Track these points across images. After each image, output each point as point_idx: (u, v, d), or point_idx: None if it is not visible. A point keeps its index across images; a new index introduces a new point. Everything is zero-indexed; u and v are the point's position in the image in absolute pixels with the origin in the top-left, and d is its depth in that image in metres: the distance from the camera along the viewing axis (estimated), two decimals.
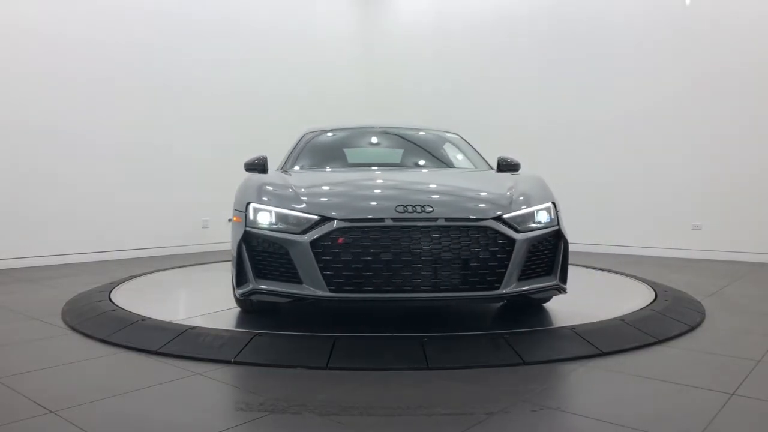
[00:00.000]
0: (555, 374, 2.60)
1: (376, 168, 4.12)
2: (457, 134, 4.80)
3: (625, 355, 2.91)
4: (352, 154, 4.52)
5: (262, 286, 3.05)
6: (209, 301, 3.97)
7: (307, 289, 2.93)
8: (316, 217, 2.97)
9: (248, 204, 3.19)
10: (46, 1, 6.27)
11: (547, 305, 3.85)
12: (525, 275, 3.04)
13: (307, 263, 2.90)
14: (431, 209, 2.96)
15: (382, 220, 2.91)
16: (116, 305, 3.77)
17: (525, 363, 2.74)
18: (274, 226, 3.06)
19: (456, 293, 2.91)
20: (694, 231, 6.87)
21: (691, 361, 2.84)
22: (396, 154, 4.50)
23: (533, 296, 3.17)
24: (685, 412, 2.20)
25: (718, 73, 6.69)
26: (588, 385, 2.53)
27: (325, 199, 3.19)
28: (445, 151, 4.58)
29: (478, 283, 2.92)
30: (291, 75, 8.61)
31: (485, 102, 8.43)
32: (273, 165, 4.14)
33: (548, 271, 3.17)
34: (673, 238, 6.99)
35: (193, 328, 3.16)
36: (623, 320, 3.33)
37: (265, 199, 3.20)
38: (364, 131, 4.80)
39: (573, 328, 3.12)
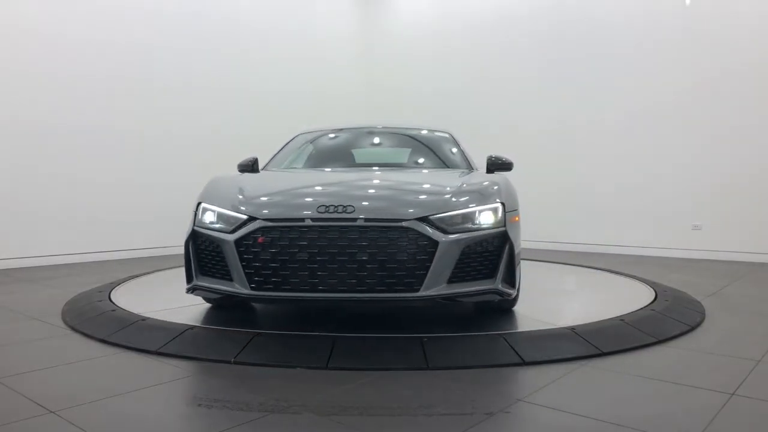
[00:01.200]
0: (555, 374, 2.60)
1: (344, 168, 4.19)
2: (447, 133, 4.71)
3: (625, 355, 2.91)
4: (332, 155, 4.57)
5: (202, 283, 3.18)
6: (208, 301, 3.96)
7: (234, 287, 3.02)
8: (244, 216, 3.06)
9: (198, 204, 3.34)
10: (45, 1, 6.26)
11: (547, 305, 3.85)
12: (457, 278, 2.92)
13: (234, 261, 2.99)
14: (353, 209, 2.95)
15: (302, 220, 2.95)
16: (116, 305, 3.77)
17: (525, 363, 2.74)
18: (213, 225, 3.17)
19: (372, 294, 2.87)
20: (694, 231, 6.87)
21: (691, 361, 2.84)
22: (377, 155, 4.52)
23: (466, 299, 3.00)
24: (685, 412, 2.20)
25: (718, 74, 6.69)
26: (588, 385, 2.53)
27: (259, 200, 3.23)
28: (428, 150, 4.55)
29: (396, 284, 2.86)
30: (291, 75, 8.60)
31: (485, 102, 8.42)
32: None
33: (488, 275, 3.01)
34: (673, 238, 6.99)
35: (192, 327, 3.16)
36: (623, 320, 3.33)
37: (213, 198, 3.32)
38: (352, 132, 4.81)
39: (573, 328, 3.12)
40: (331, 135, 4.83)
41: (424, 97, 8.99)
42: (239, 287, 3.00)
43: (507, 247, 3.04)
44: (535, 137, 7.94)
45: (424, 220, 2.93)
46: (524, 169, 6.56)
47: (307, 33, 8.92)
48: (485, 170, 4.03)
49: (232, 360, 2.77)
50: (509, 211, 3.18)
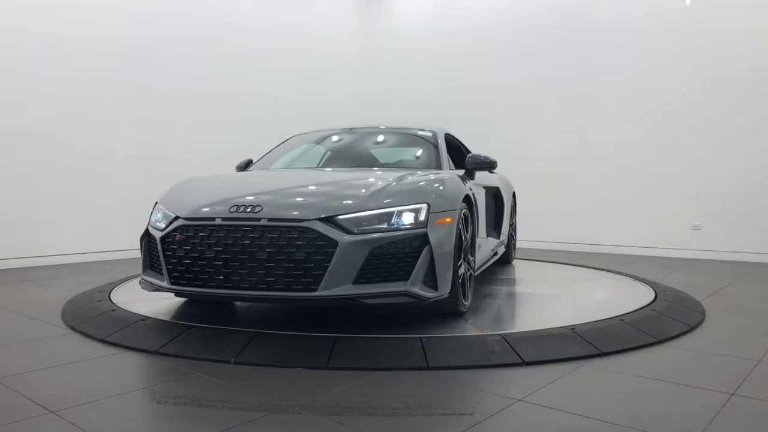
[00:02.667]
0: (555, 374, 2.60)
1: (307, 169, 4.34)
2: (431, 132, 4.55)
3: (625, 355, 2.91)
4: (310, 156, 4.66)
5: (146, 277, 3.41)
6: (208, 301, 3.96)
7: (161, 281, 3.23)
8: (173, 215, 3.23)
9: (155, 204, 3.52)
10: (41, 2, 6.26)
11: (547, 305, 3.85)
12: (365, 279, 2.89)
13: (161, 257, 3.21)
14: (260, 209, 3.03)
15: (213, 219, 3.07)
16: (116, 305, 3.77)
17: (525, 363, 2.74)
18: (157, 223, 3.34)
19: (271, 293, 2.92)
20: (694, 231, 6.87)
21: (691, 361, 2.84)
22: (351, 156, 4.54)
23: (374, 301, 2.95)
24: (685, 412, 2.20)
25: (718, 74, 6.69)
26: (588, 385, 2.53)
27: (187, 199, 3.37)
28: (403, 150, 4.57)
29: (294, 284, 2.89)
30: (291, 76, 8.60)
31: (485, 102, 8.42)
32: None
33: (402, 277, 2.94)
34: (673, 238, 6.99)
35: (192, 327, 3.16)
36: (623, 320, 3.33)
37: (166, 199, 3.52)
38: (338, 133, 4.84)
39: (573, 328, 3.12)
40: (318, 137, 4.90)
41: (424, 98, 8.99)
42: (163, 282, 3.22)
43: (426, 249, 2.98)
44: (535, 137, 7.94)
45: (327, 220, 2.94)
46: (524, 169, 6.60)
47: (307, 34, 8.92)
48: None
49: (232, 360, 2.77)
50: (436, 212, 3.10)
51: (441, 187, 3.29)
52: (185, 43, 7.44)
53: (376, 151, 4.62)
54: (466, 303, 3.46)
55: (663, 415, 2.15)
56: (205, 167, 7.46)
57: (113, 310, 3.64)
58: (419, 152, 4.42)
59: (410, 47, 9.30)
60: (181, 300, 3.89)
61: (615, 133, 7.42)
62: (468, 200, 3.55)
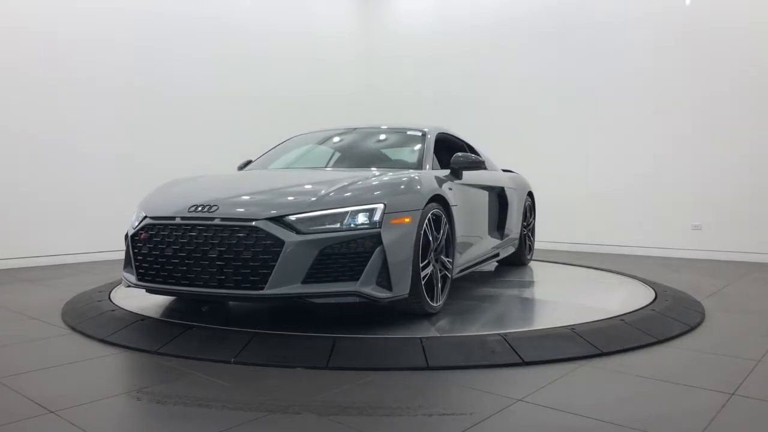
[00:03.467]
0: (555, 374, 2.60)
1: (282, 169, 4.42)
2: (421, 132, 4.48)
3: (625, 355, 2.91)
4: (301, 157, 4.69)
5: (124, 273, 3.54)
6: (208, 302, 3.96)
7: (132, 276, 3.37)
8: (143, 214, 3.39)
9: (138, 204, 3.63)
10: (40, 2, 6.26)
11: (547, 305, 3.85)
12: (314, 278, 2.92)
13: (131, 254, 3.37)
14: (216, 209, 3.11)
15: (173, 218, 3.18)
16: (116, 305, 3.77)
17: (525, 363, 2.74)
18: (134, 222, 3.47)
19: (221, 290, 2.99)
20: (694, 231, 6.87)
21: (691, 361, 2.84)
22: (339, 156, 4.58)
23: (323, 300, 2.98)
24: (685, 412, 2.20)
25: (718, 74, 6.69)
26: (588, 385, 2.53)
27: (159, 199, 3.53)
28: (388, 150, 4.56)
29: (243, 282, 2.94)
30: (291, 76, 8.60)
31: (485, 102, 8.42)
32: None
33: (352, 276, 2.96)
34: (673, 238, 6.99)
35: (192, 327, 3.16)
36: (623, 320, 3.33)
37: (145, 198, 3.66)
38: (331, 134, 4.86)
39: (573, 328, 3.12)
40: (315, 137, 4.92)
41: (425, 98, 9.00)
42: (133, 277, 3.37)
43: (378, 249, 2.98)
44: (535, 138, 7.94)
45: (277, 220, 2.97)
46: (524, 169, 6.58)
47: (307, 34, 8.92)
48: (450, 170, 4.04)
49: (232, 360, 2.77)
50: (393, 212, 3.10)
51: (401, 188, 3.27)
52: (185, 43, 7.44)
53: (364, 151, 4.61)
54: (434, 304, 3.41)
55: (663, 415, 2.15)
56: (205, 167, 7.47)
57: (113, 310, 3.64)
58: (404, 152, 4.41)
59: (410, 47, 9.30)
60: (181, 300, 3.89)
61: (615, 133, 7.42)
62: (441, 200, 3.53)
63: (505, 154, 6.22)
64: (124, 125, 6.89)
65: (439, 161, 4.44)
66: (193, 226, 3.08)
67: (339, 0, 9.53)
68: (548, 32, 7.93)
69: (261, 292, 2.91)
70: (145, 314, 3.51)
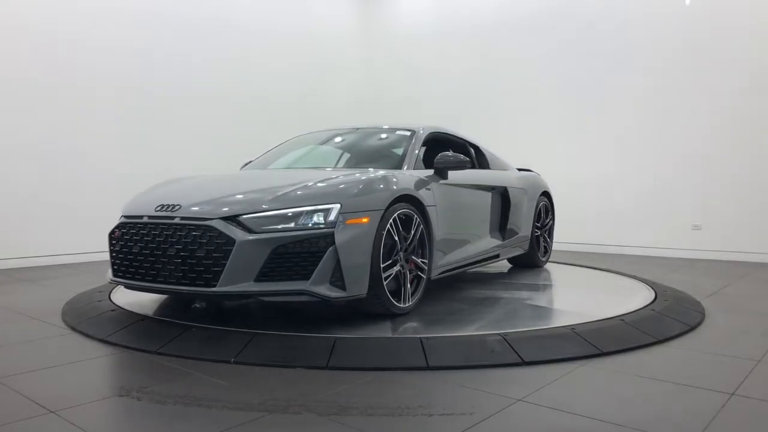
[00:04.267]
0: (555, 374, 2.60)
1: (259, 170, 4.47)
2: (411, 131, 4.42)
3: (625, 355, 2.91)
4: (294, 157, 4.70)
5: (108, 270, 3.63)
6: (208, 301, 3.96)
7: (110, 272, 3.52)
8: (121, 213, 3.54)
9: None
10: (39, 3, 6.26)
11: (547, 305, 3.85)
12: (267, 276, 2.97)
13: (109, 251, 3.53)
14: (179, 208, 3.21)
15: (141, 217, 3.31)
16: (116, 305, 3.77)
17: (525, 363, 2.74)
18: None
19: (178, 287, 3.08)
20: (694, 231, 6.87)
21: (691, 361, 2.84)
22: (328, 156, 4.61)
23: (275, 298, 3.04)
24: (685, 412, 2.20)
25: (718, 73, 6.68)
26: (588, 385, 2.53)
27: (140, 198, 3.67)
28: (374, 150, 4.54)
29: (197, 279, 3.01)
30: (291, 77, 8.59)
31: (486, 102, 8.42)
32: None
33: (305, 276, 2.99)
34: (673, 238, 6.99)
35: (192, 327, 3.16)
36: (623, 320, 3.33)
37: (130, 199, 3.78)
38: (326, 134, 4.87)
39: (573, 328, 3.12)
40: (310, 137, 4.95)
41: (425, 98, 8.99)
42: (110, 274, 3.50)
43: (331, 249, 3.00)
44: (535, 137, 7.94)
45: (231, 219, 3.03)
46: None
47: (307, 34, 8.92)
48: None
49: (232, 360, 2.77)
50: (350, 212, 3.11)
51: (360, 188, 3.27)
52: (185, 44, 7.43)
53: (351, 152, 4.61)
54: (402, 305, 3.39)
55: (663, 415, 2.15)
56: (205, 167, 7.47)
57: (113, 310, 3.64)
58: (388, 151, 4.40)
59: (410, 47, 9.30)
60: (181, 300, 3.89)
61: (615, 133, 7.42)
62: (414, 200, 3.52)
63: (505, 154, 6.20)
64: (124, 125, 6.88)
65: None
66: (157, 225, 3.20)
67: (339, 0, 9.53)
68: (548, 32, 7.93)
69: (213, 289, 2.97)
70: (145, 314, 3.51)
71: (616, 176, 7.40)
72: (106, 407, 2.25)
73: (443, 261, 3.93)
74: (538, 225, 5.45)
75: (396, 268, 3.36)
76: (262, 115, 8.16)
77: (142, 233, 3.24)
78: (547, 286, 4.75)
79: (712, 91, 6.73)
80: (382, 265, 3.21)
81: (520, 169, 5.65)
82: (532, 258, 5.40)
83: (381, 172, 3.57)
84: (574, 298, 4.19)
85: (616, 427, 2.03)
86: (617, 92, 7.39)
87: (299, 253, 3.00)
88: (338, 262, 3.02)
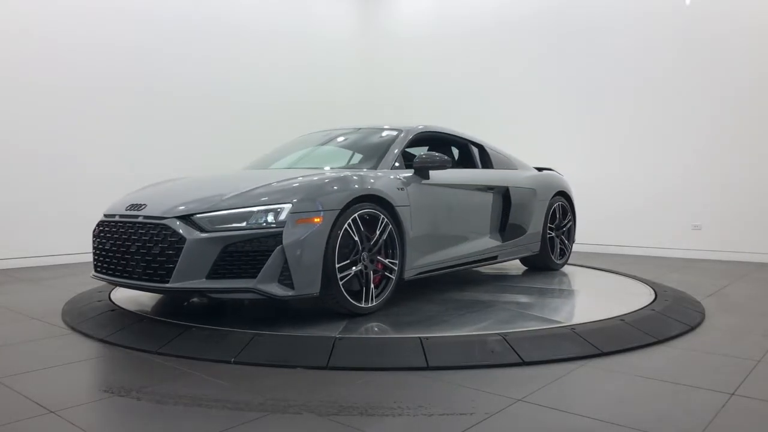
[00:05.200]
0: (555, 374, 2.60)
1: (258, 169, 4.52)
2: (398, 131, 4.39)
3: (625, 355, 2.91)
4: (288, 157, 4.70)
5: None
6: (209, 301, 3.96)
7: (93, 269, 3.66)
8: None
9: None
10: (38, 4, 6.27)
11: (547, 305, 3.84)
12: (218, 274, 3.06)
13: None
14: (144, 207, 3.36)
15: (114, 216, 3.49)
16: (116, 305, 3.77)
17: (525, 363, 2.74)
18: None
19: (139, 282, 3.23)
20: (694, 231, 6.87)
21: (691, 361, 2.84)
22: (316, 157, 4.62)
23: (223, 295, 3.18)
24: (685, 412, 2.20)
25: (718, 73, 6.68)
26: (588, 385, 2.54)
27: (120, 198, 3.80)
28: (355, 150, 4.54)
29: (153, 275, 3.14)
30: (290, 77, 8.59)
31: (486, 102, 8.42)
32: None
33: (253, 274, 3.06)
34: (673, 238, 6.99)
35: (192, 327, 3.16)
36: (623, 320, 3.33)
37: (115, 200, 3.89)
38: (321, 135, 4.88)
39: (573, 328, 3.12)
40: (308, 137, 4.95)
41: (425, 97, 8.99)
42: (92, 269, 3.64)
43: (279, 248, 3.05)
44: (535, 137, 7.94)
45: (185, 218, 3.15)
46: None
47: (307, 35, 8.92)
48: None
49: (232, 360, 2.77)
50: (301, 212, 3.15)
51: (315, 188, 3.31)
52: (184, 44, 7.43)
53: (335, 152, 4.61)
54: (363, 305, 3.40)
55: (663, 415, 2.15)
56: (205, 168, 7.48)
57: (113, 310, 3.64)
58: (368, 151, 4.35)
59: (410, 47, 9.30)
60: (180, 300, 3.89)
61: (615, 133, 7.41)
62: (379, 200, 3.52)
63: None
64: (124, 127, 6.89)
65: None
66: (124, 223, 3.36)
67: (339, 0, 9.53)
68: (548, 32, 7.93)
69: (166, 285, 3.09)
70: (145, 314, 3.52)
71: (616, 176, 7.39)
72: (106, 407, 2.25)
73: (422, 261, 3.88)
74: (552, 226, 5.28)
75: (357, 268, 3.37)
76: (262, 115, 8.16)
77: (113, 231, 3.41)
78: (547, 286, 4.75)
79: (712, 91, 6.72)
80: (337, 265, 3.22)
81: (541, 169, 5.55)
82: (544, 260, 5.25)
83: (342, 173, 3.57)
84: (574, 298, 4.19)
85: (616, 427, 2.03)
86: (617, 93, 7.39)
87: (248, 251, 3.07)
88: (286, 261, 3.07)
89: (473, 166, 4.84)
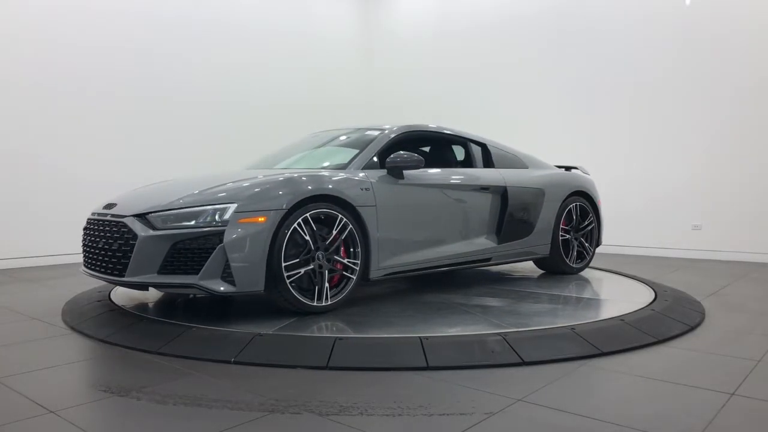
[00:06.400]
0: (555, 374, 2.60)
1: (222, 171, 4.60)
2: (380, 131, 4.35)
3: (625, 355, 2.91)
4: (284, 157, 4.70)
5: None
6: (209, 301, 3.97)
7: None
8: None
9: None
10: (37, 5, 6.27)
11: (546, 305, 3.84)
12: (167, 270, 3.22)
13: None
14: (114, 206, 3.59)
15: (93, 215, 3.70)
16: (116, 305, 3.77)
17: (525, 363, 2.74)
18: None
19: (103, 275, 3.46)
20: (694, 231, 6.87)
21: (691, 361, 2.84)
22: (308, 157, 4.62)
23: (170, 290, 3.53)
24: (685, 412, 2.20)
25: (718, 74, 6.68)
26: (588, 385, 2.54)
27: (107, 198, 3.92)
28: (337, 151, 4.53)
29: (114, 269, 3.35)
30: (291, 77, 8.59)
31: (486, 101, 8.42)
32: None
33: (197, 270, 3.19)
34: (673, 238, 6.99)
35: (192, 327, 3.16)
36: (623, 320, 3.33)
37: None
38: (317, 136, 4.88)
39: (573, 328, 3.12)
40: (308, 137, 4.95)
41: (426, 97, 8.99)
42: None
43: (221, 245, 3.15)
44: (535, 137, 7.93)
45: (141, 216, 3.33)
46: None
47: (307, 34, 8.92)
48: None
49: (232, 360, 2.77)
50: (245, 211, 3.23)
51: (260, 188, 3.37)
52: (182, 47, 7.43)
53: (327, 151, 4.60)
54: (316, 303, 3.43)
55: (663, 415, 2.15)
56: (205, 168, 7.47)
57: (113, 310, 3.64)
58: (347, 152, 4.30)
59: (411, 47, 9.30)
60: (181, 300, 3.90)
61: (615, 133, 7.42)
62: (337, 200, 3.54)
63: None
64: (124, 127, 6.89)
65: (426, 158, 4.63)
66: (97, 221, 3.60)
67: (339, 1, 9.53)
68: (548, 32, 7.93)
69: (122, 279, 3.30)
70: (145, 314, 3.52)
71: (616, 177, 7.39)
72: (106, 407, 2.25)
73: (392, 262, 3.85)
74: (567, 228, 5.05)
75: (309, 267, 3.40)
76: (262, 115, 8.16)
77: (91, 229, 3.64)
78: (547, 286, 4.74)
79: (712, 91, 6.72)
80: (284, 264, 3.28)
81: (569, 168, 5.39)
82: (556, 263, 5.01)
83: (292, 174, 3.58)
84: (574, 297, 4.19)
85: (616, 427, 2.03)
86: (616, 93, 7.39)
87: (195, 249, 3.21)
88: (225, 257, 3.17)
89: (472, 165, 4.78)
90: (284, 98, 8.43)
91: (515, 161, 5.01)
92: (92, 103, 6.62)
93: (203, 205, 3.29)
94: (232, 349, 2.86)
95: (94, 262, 3.56)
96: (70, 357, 2.91)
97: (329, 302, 3.49)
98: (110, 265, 3.38)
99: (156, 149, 7.14)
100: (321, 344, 2.89)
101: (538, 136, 7.94)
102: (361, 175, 3.82)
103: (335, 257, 3.53)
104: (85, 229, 3.75)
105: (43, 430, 2.03)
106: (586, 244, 5.26)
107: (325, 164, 4.42)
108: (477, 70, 8.56)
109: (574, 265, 5.13)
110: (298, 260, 3.36)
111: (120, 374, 2.68)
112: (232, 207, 3.24)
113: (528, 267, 5.50)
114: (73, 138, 6.47)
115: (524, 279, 4.99)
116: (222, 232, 3.18)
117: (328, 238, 3.49)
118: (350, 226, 3.57)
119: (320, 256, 3.44)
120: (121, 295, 4.13)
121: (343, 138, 4.66)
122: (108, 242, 3.41)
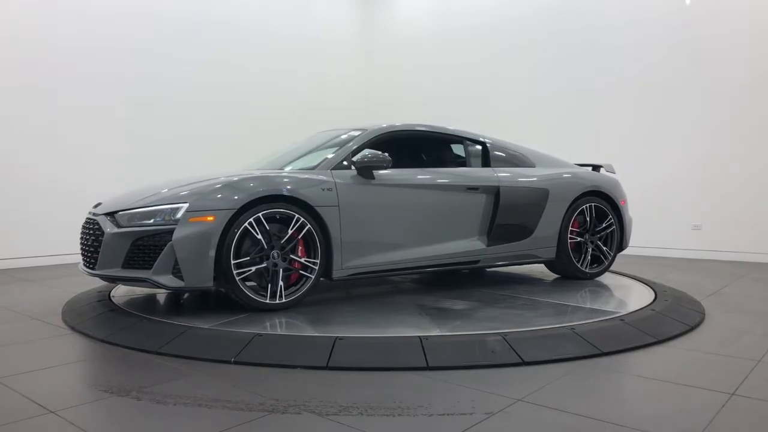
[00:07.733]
0: (555, 374, 2.60)
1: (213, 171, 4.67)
2: (360, 131, 4.31)
3: (625, 355, 2.91)
4: (284, 156, 4.72)
5: None
6: (209, 301, 3.97)
7: None
8: None
9: None
10: (37, 6, 6.27)
11: (546, 305, 3.84)
12: (129, 264, 3.45)
13: None
14: (99, 206, 3.82)
15: (90, 213, 3.86)
16: (116, 305, 3.77)
17: (525, 363, 2.74)
18: None
19: (87, 269, 3.68)
20: (694, 231, 6.87)
21: (691, 361, 2.84)
22: (302, 157, 4.59)
23: (125, 283, 3.72)
24: (685, 412, 2.20)
25: (718, 74, 6.68)
26: (588, 385, 2.54)
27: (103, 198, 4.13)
28: (320, 152, 4.46)
29: (94, 263, 3.59)
30: (291, 77, 8.59)
31: (485, 101, 8.42)
32: None
33: (150, 265, 3.39)
34: (673, 238, 6.99)
35: (192, 328, 3.16)
36: (623, 320, 3.33)
37: None
38: (315, 136, 4.88)
39: (573, 328, 3.12)
40: (313, 136, 4.95)
41: (426, 98, 8.99)
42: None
43: (170, 242, 3.32)
44: (534, 137, 7.92)
45: (110, 215, 3.57)
46: None
47: (307, 35, 8.91)
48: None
49: (232, 360, 2.78)
50: (195, 211, 3.37)
51: (212, 188, 3.52)
52: (182, 47, 7.42)
53: (315, 152, 4.52)
54: (269, 301, 3.48)
55: (663, 415, 2.15)
56: (205, 168, 7.47)
57: (113, 310, 3.64)
58: (328, 152, 4.23)
59: (411, 47, 9.30)
60: (181, 299, 3.90)
61: (615, 132, 7.41)
62: (293, 200, 3.56)
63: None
64: (124, 127, 6.88)
65: (415, 158, 4.73)
66: (87, 219, 3.83)
67: (339, 1, 9.53)
68: (548, 32, 7.92)
69: (94, 271, 3.57)
70: (145, 314, 3.52)
71: (615, 176, 7.38)
72: (106, 407, 2.25)
73: (359, 262, 3.82)
74: (577, 230, 4.75)
75: (262, 266, 3.48)
76: (262, 115, 8.15)
77: (83, 227, 3.84)
78: (547, 286, 4.74)
79: (712, 90, 6.72)
80: (233, 261, 3.39)
81: (595, 167, 5.28)
82: (565, 267, 4.73)
83: (242, 175, 3.66)
84: (574, 298, 4.19)
85: (616, 427, 2.03)
86: (616, 93, 7.38)
87: (150, 245, 3.41)
88: (174, 255, 3.32)
89: (467, 164, 4.62)
90: (284, 98, 8.42)
91: (519, 160, 4.81)
92: (92, 103, 6.61)
93: (161, 205, 3.46)
94: (232, 349, 2.86)
95: (84, 257, 3.79)
96: (70, 357, 2.91)
97: (283, 300, 3.55)
98: (89, 260, 3.65)
99: (156, 149, 7.14)
100: (321, 344, 2.89)
101: (538, 135, 7.93)
102: (323, 176, 3.79)
103: (292, 256, 3.56)
104: (82, 226, 3.94)
105: (43, 430, 2.03)
106: (604, 248, 4.86)
107: (314, 165, 4.33)
108: (477, 69, 8.56)
109: (587, 270, 4.78)
110: (248, 258, 3.45)
111: (120, 374, 2.68)
112: (184, 206, 3.39)
113: (537, 270, 5.48)
114: (73, 138, 6.47)
115: (524, 281, 4.98)
116: (170, 231, 3.35)
117: (284, 237, 3.53)
118: (308, 225, 3.59)
119: (275, 254, 3.51)
120: (121, 295, 4.13)
121: (336, 138, 4.57)
122: (89, 239, 3.67)
